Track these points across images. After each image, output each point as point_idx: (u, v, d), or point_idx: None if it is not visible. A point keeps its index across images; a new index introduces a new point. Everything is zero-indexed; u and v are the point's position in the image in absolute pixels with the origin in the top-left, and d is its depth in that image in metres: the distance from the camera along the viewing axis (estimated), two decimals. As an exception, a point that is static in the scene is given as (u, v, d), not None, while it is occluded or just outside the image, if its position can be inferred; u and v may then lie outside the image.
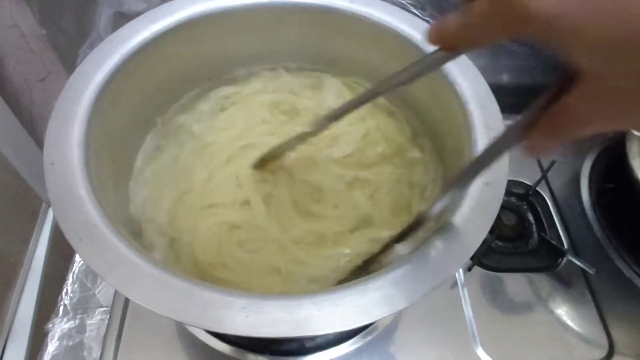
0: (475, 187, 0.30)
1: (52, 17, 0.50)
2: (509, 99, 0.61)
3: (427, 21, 0.41)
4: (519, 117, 0.21)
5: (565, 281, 0.48)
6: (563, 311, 0.46)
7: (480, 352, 0.43)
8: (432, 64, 0.26)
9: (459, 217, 0.29)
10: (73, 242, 0.27)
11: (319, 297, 0.26)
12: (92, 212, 0.28)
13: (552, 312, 0.46)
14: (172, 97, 0.43)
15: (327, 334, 0.41)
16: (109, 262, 0.26)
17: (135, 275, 0.26)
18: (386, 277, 0.27)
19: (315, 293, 0.26)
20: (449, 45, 0.23)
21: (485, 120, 0.34)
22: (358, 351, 0.43)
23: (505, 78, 0.62)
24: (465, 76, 0.36)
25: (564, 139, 0.20)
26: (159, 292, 0.25)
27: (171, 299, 0.25)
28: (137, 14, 0.39)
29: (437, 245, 0.28)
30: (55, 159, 0.30)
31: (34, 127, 0.65)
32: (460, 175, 0.26)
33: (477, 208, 0.29)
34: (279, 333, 0.24)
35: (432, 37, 0.22)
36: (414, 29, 0.40)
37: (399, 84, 0.28)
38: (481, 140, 0.33)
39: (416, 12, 0.52)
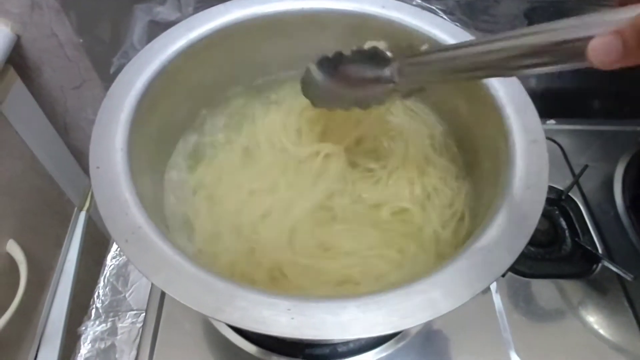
0: (516, 190, 0.30)
1: (88, 26, 0.52)
2: (538, 103, 0.61)
3: (455, 25, 0.41)
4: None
5: (601, 288, 0.47)
6: (599, 318, 0.45)
7: (514, 357, 0.42)
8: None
9: (501, 220, 0.29)
10: (120, 243, 0.27)
11: (363, 300, 0.26)
12: (136, 214, 0.29)
13: (587, 319, 0.45)
14: (207, 101, 0.44)
15: (360, 339, 0.42)
16: (154, 263, 0.27)
17: (180, 276, 0.26)
18: (430, 280, 0.27)
19: (360, 296, 0.26)
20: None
21: (523, 124, 0.33)
22: (390, 357, 0.42)
23: (533, 82, 0.61)
24: (501, 79, 0.36)
25: None
26: (203, 292, 0.26)
27: (215, 300, 0.26)
28: (171, 23, 0.40)
29: (481, 248, 0.28)
30: (100, 163, 0.31)
31: (67, 134, 0.66)
32: None
33: (517, 212, 0.29)
34: (324, 335, 0.25)
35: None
36: (445, 32, 0.40)
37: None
38: (519, 144, 0.33)
39: (445, 17, 0.52)
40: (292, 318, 0.25)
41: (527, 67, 0.23)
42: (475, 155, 0.39)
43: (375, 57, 0.34)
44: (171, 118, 0.40)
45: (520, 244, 0.28)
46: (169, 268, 0.27)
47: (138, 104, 0.34)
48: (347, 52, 0.36)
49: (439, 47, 0.31)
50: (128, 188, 0.30)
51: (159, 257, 0.27)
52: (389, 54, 0.33)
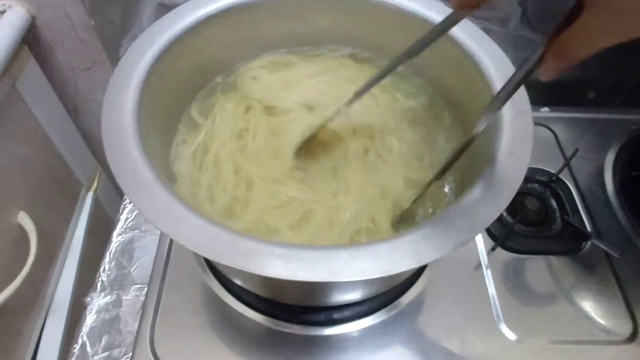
0: (501, 155, 0.32)
1: (100, 8, 0.54)
2: (534, 92, 0.63)
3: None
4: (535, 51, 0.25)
5: (589, 265, 0.49)
6: (586, 293, 0.47)
7: (503, 328, 0.44)
8: (440, 32, 0.32)
9: (487, 181, 0.31)
10: (130, 195, 0.29)
11: (355, 249, 0.28)
12: (144, 170, 0.31)
13: (575, 294, 0.47)
14: (211, 76, 0.46)
15: (354, 305, 0.44)
16: (161, 213, 0.29)
17: (185, 224, 0.28)
18: (417, 233, 0.28)
19: (351, 245, 0.28)
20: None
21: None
22: (383, 324, 0.44)
23: (528, 71, 0.63)
24: (491, 57, 0.38)
25: (577, 58, 0.23)
26: (206, 239, 0.28)
27: (217, 245, 0.27)
28: (179, 5, 0.42)
29: (465, 205, 0.30)
30: (111, 125, 0.33)
31: (77, 115, 0.69)
32: (491, 102, 0.30)
33: (502, 174, 0.31)
34: (316, 277, 0.26)
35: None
36: (440, 15, 0.42)
37: (412, 53, 0.33)
38: (506, 115, 0.35)
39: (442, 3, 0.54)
40: (287, 262, 0.27)
41: None
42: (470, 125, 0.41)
43: None
44: (179, 88, 0.42)
45: (502, 201, 0.30)
46: (175, 216, 0.29)
47: (147, 74, 0.37)
48: None
49: None
50: (137, 147, 0.32)
51: (165, 206, 0.29)
52: None
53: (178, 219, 0.28)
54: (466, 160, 0.40)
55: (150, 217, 0.28)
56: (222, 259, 0.27)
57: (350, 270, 0.27)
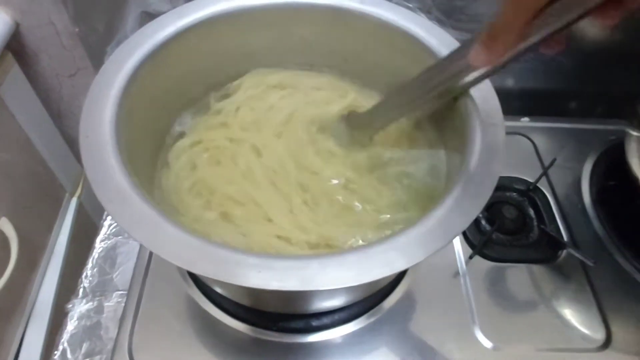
0: (473, 164, 0.33)
1: (84, 15, 0.54)
2: (515, 102, 0.64)
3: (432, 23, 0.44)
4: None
5: (565, 273, 0.49)
6: (562, 301, 0.48)
7: (479, 335, 0.45)
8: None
9: (458, 190, 0.31)
10: (104, 203, 0.30)
11: (325, 258, 0.28)
12: (121, 178, 0.31)
13: (550, 302, 0.48)
14: (193, 87, 0.46)
15: (333, 312, 0.44)
16: (135, 221, 0.29)
17: (159, 233, 0.29)
18: (388, 242, 0.29)
19: (322, 255, 0.28)
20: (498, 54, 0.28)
21: (485, 109, 0.36)
22: (362, 331, 0.45)
23: (510, 82, 0.64)
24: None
25: (501, 49, 0.26)
26: (180, 248, 0.28)
27: (190, 254, 0.28)
28: (162, 14, 0.43)
29: (437, 214, 0.30)
30: (89, 133, 0.33)
31: (61, 121, 0.69)
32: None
33: (473, 183, 0.32)
34: (288, 287, 0.27)
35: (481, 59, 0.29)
36: (420, 27, 0.43)
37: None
38: (479, 127, 0.35)
39: (422, 15, 0.55)
40: (259, 272, 0.27)
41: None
42: (443, 133, 0.42)
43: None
44: (162, 98, 0.42)
45: (474, 210, 0.30)
46: (149, 225, 0.29)
47: (127, 83, 0.37)
48: None
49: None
50: (114, 155, 0.32)
51: (140, 215, 0.29)
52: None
53: (152, 227, 0.29)
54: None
55: (124, 225, 0.29)
56: (195, 267, 0.27)
57: (322, 279, 0.27)
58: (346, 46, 0.47)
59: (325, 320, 0.44)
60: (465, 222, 0.30)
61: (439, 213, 0.31)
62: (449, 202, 0.31)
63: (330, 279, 0.27)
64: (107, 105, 0.35)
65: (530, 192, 0.54)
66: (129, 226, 0.29)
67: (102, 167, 0.31)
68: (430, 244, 0.29)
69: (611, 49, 0.59)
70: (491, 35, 0.26)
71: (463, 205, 0.31)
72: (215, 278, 0.27)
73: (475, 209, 0.31)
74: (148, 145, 0.42)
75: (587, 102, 0.68)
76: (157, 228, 0.29)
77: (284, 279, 0.27)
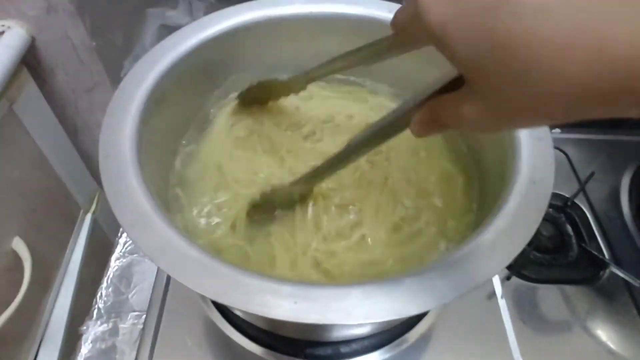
0: (521, 184, 0.30)
1: (102, 30, 0.53)
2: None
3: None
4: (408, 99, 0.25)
5: (608, 294, 0.46)
6: (605, 325, 0.45)
7: (520, 363, 0.42)
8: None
9: (507, 213, 0.29)
10: (126, 228, 0.27)
11: (367, 287, 0.26)
12: (142, 200, 0.29)
13: (593, 326, 0.45)
14: (213, 101, 0.44)
15: (363, 339, 0.41)
16: (159, 248, 0.27)
17: (184, 260, 0.26)
18: (434, 270, 0.26)
19: (364, 283, 0.26)
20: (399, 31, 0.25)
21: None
22: (393, 359, 0.42)
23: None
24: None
25: (443, 127, 0.22)
26: (207, 276, 0.26)
27: (218, 283, 0.26)
28: (181, 27, 0.41)
29: (485, 240, 0.28)
30: (109, 152, 0.31)
31: (76, 136, 0.67)
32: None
33: (524, 206, 0.29)
34: (327, 320, 0.24)
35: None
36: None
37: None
38: (525, 141, 0.33)
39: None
40: (295, 302, 0.25)
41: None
42: (480, 151, 0.39)
43: None
44: (180, 115, 0.41)
45: (524, 237, 0.28)
46: (174, 252, 0.27)
47: (148, 98, 0.35)
48: None
49: None
50: (135, 176, 0.30)
51: (164, 241, 0.27)
52: None
53: (178, 254, 0.27)
54: (484, 188, 0.39)
55: (148, 253, 0.27)
56: (225, 299, 0.25)
57: (364, 311, 0.25)
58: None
59: (355, 346, 0.42)
60: (516, 250, 0.27)
61: (488, 238, 0.28)
62: (496, 225, 0.29)
63: (374, 311, 0.25)
64: (127, 122, 0.33)
65: (567, 207, 0.51)
66: (153, 253, 0.26)
67: (123, 189, 0.29)
68: (477, 273, 0.26)
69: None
70: (432, 117, 0.23)
71: (512, 230, 0.28)
72: (247, 310, 0.25)
73: (526, 234, 0.28)
74: (164, 160, 0.40)
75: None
76: (182, 255, 0.27)
77: (323, 311, 0.25)
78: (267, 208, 0.37)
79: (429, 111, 0.23)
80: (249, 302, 0.25)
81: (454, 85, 0.21)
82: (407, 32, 0.23)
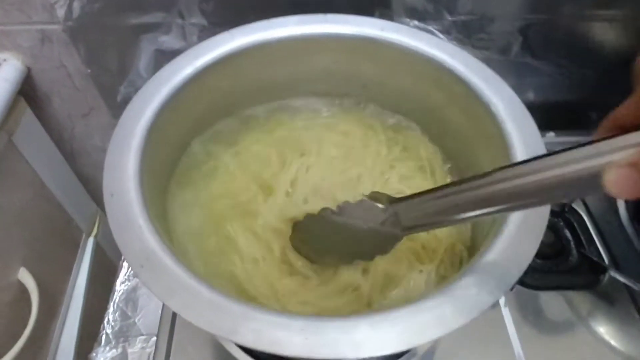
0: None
1: (96, 57, 0.53)
2: (537, 116, 0.62)
3: (453, 45, 0.42)
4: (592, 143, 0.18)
5: (609, 298, 0.47)
6: (608, 329, 0.46)
7: (527, 372, 0.42)
8: None
9: (507, 233, 0.29)
10: (135, 269, 0.28)
11: (375, 318, 0.26)
12: (150, 240, 0.29)
13: (597, 331, 0.45)
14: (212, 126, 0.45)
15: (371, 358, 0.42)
16: (169, 288, 0.27)
17: (195, 300, 0.27)
18: (439, 296, 0.27)
19: (371, 313, 0.26)
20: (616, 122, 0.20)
21: (524, 139, 0.34)
22: (402, 375, 0.42)
23: (531, 96, 0.62)
24: (500, 96, 0.37)
25: None
26: (219, 315, 0.26)
27: (229, 322, 0.26)
28: (176, 51, 0.41)
29: (487, 262, 0.28)
30: (114, 191, 0.31)
31: (74, 160, 0.68)
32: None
33: (525, 222, 0.30)
34: (338, 354, 0.25)
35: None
36: (444, 52, 0.41)
37: None
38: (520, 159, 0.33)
39: (442, 36, 0.53)
40: (306, 338, 0.25)
41: (539, 202, 0.22)
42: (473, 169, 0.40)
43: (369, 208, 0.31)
44: (180, 144, 0.41)
45: (527, 256, 0.28)
46: (184, 292, 0.27)
47: (149, 132, 0.35)
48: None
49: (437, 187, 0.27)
50: (142, 214, 0.30)
51: (173, 281, 0.27)
52: (380, 205, 0.30)
53: (188, 294, 0.27)
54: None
55: (157, 294, 0.27)
56: (236, 337, 0.26)
57: (373, 344, 0.25)
58: (367, 74, 0.46)
59: (363, 364, 0.42)
60: (519, 270, 0.28)
61: (490, 260, 0.29)
62: (498, 246, 0.29)
63: (383, 343, 0.25)
64: (129, 158, 0.33)
65: (565, 213, 0.52)
66: (163, 294, 0.27)
67: (130, 229, 0.30)
68: (484, 297, 0.27)
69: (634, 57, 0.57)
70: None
71: (514, 250, 0.29)
72: (257, 348, 0.25)
73: (528, 253, 0.29)
74: (165, 186, 0.40)
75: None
76: (192, 295, 0.27)
77: (333, 346, 0.25)
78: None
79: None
80: (260, 340, 0.25)
81: None
82: None
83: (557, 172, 0.20)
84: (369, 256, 0.33)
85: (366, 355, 0.25)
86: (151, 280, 0.27)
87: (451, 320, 0.26)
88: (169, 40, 0.52)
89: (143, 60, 0.53)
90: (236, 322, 0.26)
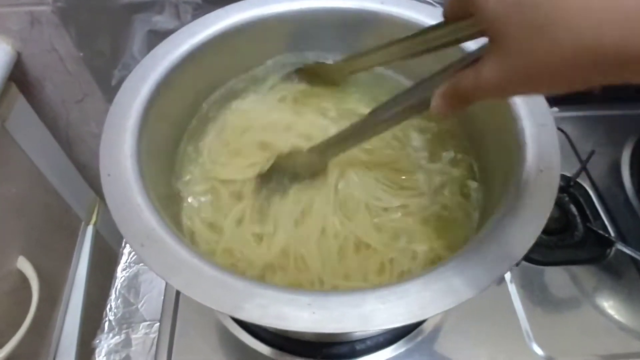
0: (530, 175, 0.30)
1: (88, 39, 0.52)
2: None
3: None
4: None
5: (615, 272, 0.47)
6: (615, 303, 0.45)
7: (535, 347, 0.42)
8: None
9: (517, 204, 0.29)
10: (135, 248, 0.27)
11: (383, 291, 0.26)
12: (150, 218, 0.29)
13: (604, 305, 0.45)
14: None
15: (378, 336, 0.42)
16: (171, 266, 0.27)
17: (198, 277, 0.26)
18: (448, 267, 0.26)
19: (379, 287, 0.26)
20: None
21: (531, 109, 0.33)
22: (409, 352, 0.42)
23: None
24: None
25: (467, 98, 0.23)
26: (222, 292, 0.26)
27: (234, 298, 0.25)
28: (170, 31, 0.40)
29: (497, 233, 0.28)
30: (111, 171, 0.31)
31: (70, 148, 0.67)
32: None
33: (534, 195, 0.29)
34: (346, 328, 0.24)
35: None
36: (429, 17, 0.40)
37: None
38: (528, 129, 0.33)
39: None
40: (314, 312, 0.25)
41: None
42: (482, 140, 0.39)
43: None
44: (178, 122, 0.40)
45: (536, 227, 0.28)
46: (186, 269, 0.26)
47: (144, 110, 0.34)
48: None
49: None
50: (140, 193, 0.30)
51: (175, 259, 0.27)
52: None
53: (189, 271, 0.26)
54: (488, 180, 0.39)
55: (159, 272, 0.26)
56: (241, 313, 0.25)
57: (382, 317, 0.25)
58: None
59: (370, 343, 0.42)
60: (529, 241, 0.27)
61: (499, 231, 0.28)
62: (508, 217, 0.28)
63: (392, 315, 0.25)
64: (125, 137, 0.32)
65: (570, 187, 0.51)
66: (165, 272, 0.26)
67: (129, 208, 0.29)
68: (494, 267, 0.26)
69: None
70: (453, 88, 0.24)
71: (524, 221, 0.28)
72: (264, 324, 0.25)
73: (537, 224, 0.28)
74: (166, 170, 0.39)
75: (613, 86, 0.65)
76: (195, 272, 0.26)
77: (341, 320, 0.24)
78: (279, 176, 0.37)
79: (450, 83, 0.23)
80: (266, 316, 0.25)
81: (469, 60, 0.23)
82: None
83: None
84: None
85: (375, 328, 0.24)
86: (152, 259, 0.27)
87: (461, 292, 0.25)
88: (162, 20, 0.50)
89: (136, 42, 0.52)
90: (241, 298, 0.25)
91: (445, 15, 0.26)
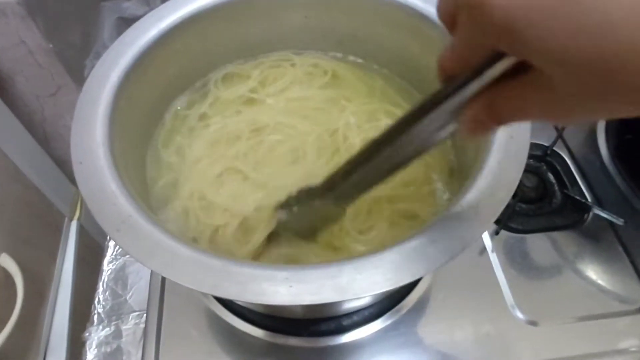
0: (500, 141, 0.30)
1: (57, 30, 0.51)
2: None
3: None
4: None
5: (594, 236, 0.48)
6: (595, 266, 0.46)
7: (517, 313, 0.43)
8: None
9: (488, 171, 0.29)
10: (111, 233, 0.27)
11: (359, 261, 0.26)
12: (124, 204, 0.28)
13: (584, 268, 0.46)
14: (184, 90, 0.43)
15: (363, 309, 0.42)
16: (148, 249, 0.27)
17: (175, 259, 0.26)
18: (423, 235, 0.27)
19: (355, 258, 0.26)
20: (447, 73, 0.21)
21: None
22: (395, 325, 0.43)
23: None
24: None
25: (504, 121, 0.20)
26: (200, 272, 0.26)
27: (212, 277, 0.26)
28: (139, 17, 0.40)
29: (469, 200, 0.28)
30: (83, 158, 0.30)
31: (48, 143, 0.66)
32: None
33: (505, 160, 0.29)
34: (323, 299, 0.25)
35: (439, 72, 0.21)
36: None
37: None
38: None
39: None
40: (291, 286, 0.25)
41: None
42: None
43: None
44: (152, 109, 0.40)
45: (507, 193, 0.28)
46: (163, 252, 0.26)
47: (115, 97, 0.34)
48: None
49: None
50: (114, 179, 0.29)
51: (152, 242, 0.27)
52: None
53: (167, 253, 0.26)
54: (459, 150, 0.39)
55: (136, 256, 0.26)
56: (220, 291, 0.25)
57: (358, 286, 0.25)
58: (341, 28, 0.45)
59: (356, 318, 0.42)
60: (500, 206, 0.28)
61: (471, 198, 0.28)
62: (479, 184, 0.29)
63: (367, 285, 0.25)
64: (96, 125, 0.32)
65: (547, 156, 0.52)
66: (142, 256, 0.26)
67: (103, 195, 0.29)
68: (466, 233, 0.27)
69: None
70: (492, 112, 0.20)
71: (495, 186, 0.29)
72: (244, 300, 0.25)
73: (508, 190, 0.28)
74: (139, 153, 0.39)
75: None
76: (172, 254, 0.26)
77: (317, 292, 0.25)
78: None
79: (487, 105, 0.20)
80: (245, 292, 0.25)
81: (512, 72, 0.18)
82: (461, 57, 0.20)
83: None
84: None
85: (352, 297, 0.25)
86: (129, 243, 0.27)
87: (434, 258, 0.26)
88: (131, 7, 0.49)
89: (107, 30, 0.51)
90: (219, 276, 0.26)
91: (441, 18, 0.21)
